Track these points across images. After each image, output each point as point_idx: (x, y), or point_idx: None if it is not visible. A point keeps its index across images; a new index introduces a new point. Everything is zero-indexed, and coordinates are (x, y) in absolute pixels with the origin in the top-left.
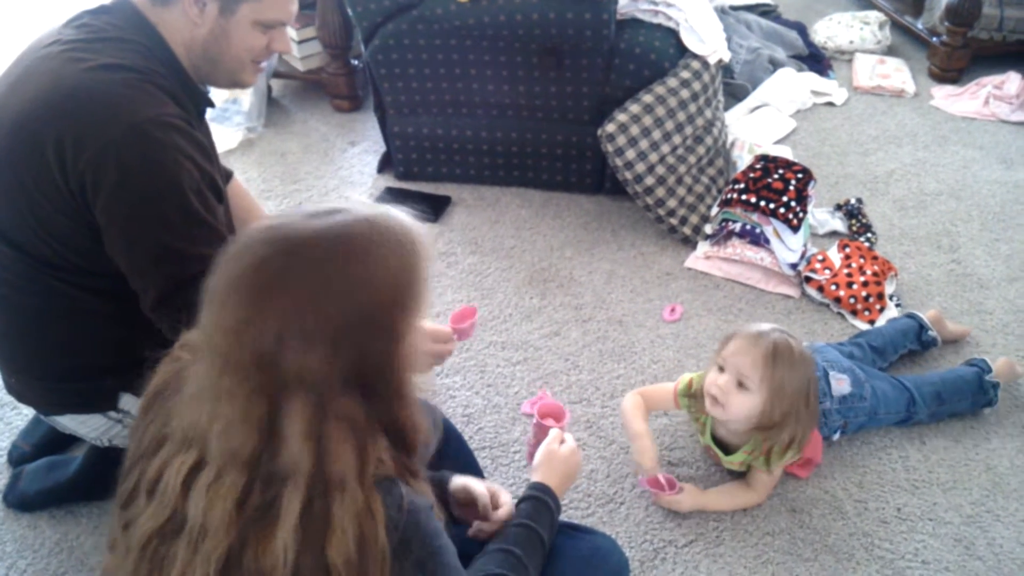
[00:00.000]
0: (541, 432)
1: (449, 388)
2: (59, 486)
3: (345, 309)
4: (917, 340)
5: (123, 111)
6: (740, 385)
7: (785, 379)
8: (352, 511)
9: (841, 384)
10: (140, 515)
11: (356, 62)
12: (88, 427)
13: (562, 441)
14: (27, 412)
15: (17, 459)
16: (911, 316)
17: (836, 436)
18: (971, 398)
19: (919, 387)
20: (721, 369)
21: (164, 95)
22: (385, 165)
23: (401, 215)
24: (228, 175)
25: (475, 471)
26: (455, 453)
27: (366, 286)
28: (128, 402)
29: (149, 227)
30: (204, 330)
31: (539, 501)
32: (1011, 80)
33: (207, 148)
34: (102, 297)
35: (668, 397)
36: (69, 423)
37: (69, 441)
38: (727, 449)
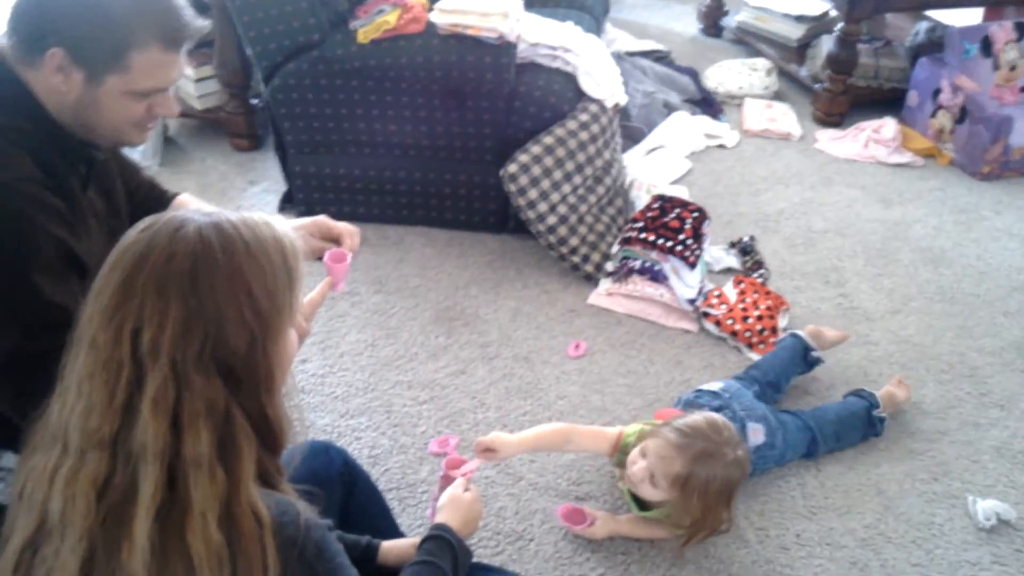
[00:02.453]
0: (447, 484)
1: (355, 429)
2: None
3: (210, 296)
4: (803, 362)
5: None
6: (652, 480)
7: (696, 495)
8: (213, 494)
9: (756, 435)
10: (14, 535)
11: (256, 101)
12: None
13: (466, 489)
14: None
15: None
16: (794, 336)
17: None
18: (862, 431)
19: (820, 427)
20: (644, 454)
21: (22, 155)
22: (286, 204)
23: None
24: (171, 196)
25: (384, 513)
26: (363, 495)
27: (237, 281)
28: (9, 460)
29: None
30: (80, 322)
31: (440, 539)
32: (887, 125)
33: (64, 214)
34: None
35: (602, 442)
36: None
37: None
38: (642, 505)
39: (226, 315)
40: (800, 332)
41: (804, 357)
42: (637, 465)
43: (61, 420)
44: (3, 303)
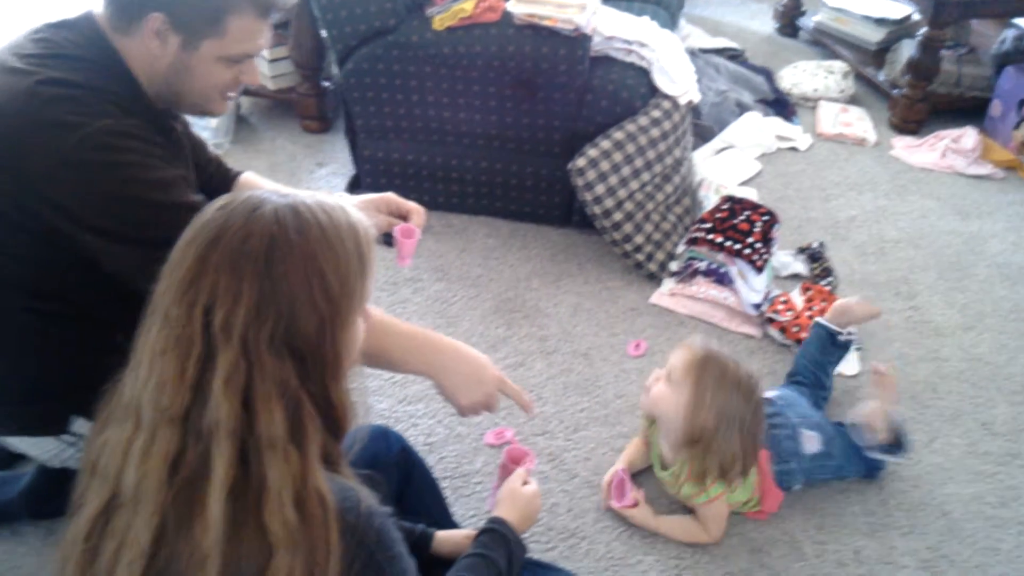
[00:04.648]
0: (507, 474)
1: (412, 416)
2: (5, 504)
3: (283, 278)
4: (834, 347)
5: (74, 123)
6: (669, 377)
7: (710, 390)
8: (288, 474)
9: (812, 443)
10: (87, 504)
11: (327, 83)
12: (40, 449)
13: (525, 483)
14: None
15: None
16: (816, 324)
17: (798, 487)
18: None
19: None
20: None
21: (117, 110)
22: (353, 188)
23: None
24: (235, 175)
25: (438, 501)
26: (419, 482)
27: (310, 264)
28: (81, 426)
29: (134, 231)
30: (154, 295)
31: (496, 533)
32: (968, 135)
33: (170, 154)
34: (54, 321)
35: (638, 443)
36: (20, 444)
37: (16, 457)
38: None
39: (298, 298)
40: (820, 319)
41: (833, 343)
42: (655, 374)
43: (134, 394)
44: (145, 225)
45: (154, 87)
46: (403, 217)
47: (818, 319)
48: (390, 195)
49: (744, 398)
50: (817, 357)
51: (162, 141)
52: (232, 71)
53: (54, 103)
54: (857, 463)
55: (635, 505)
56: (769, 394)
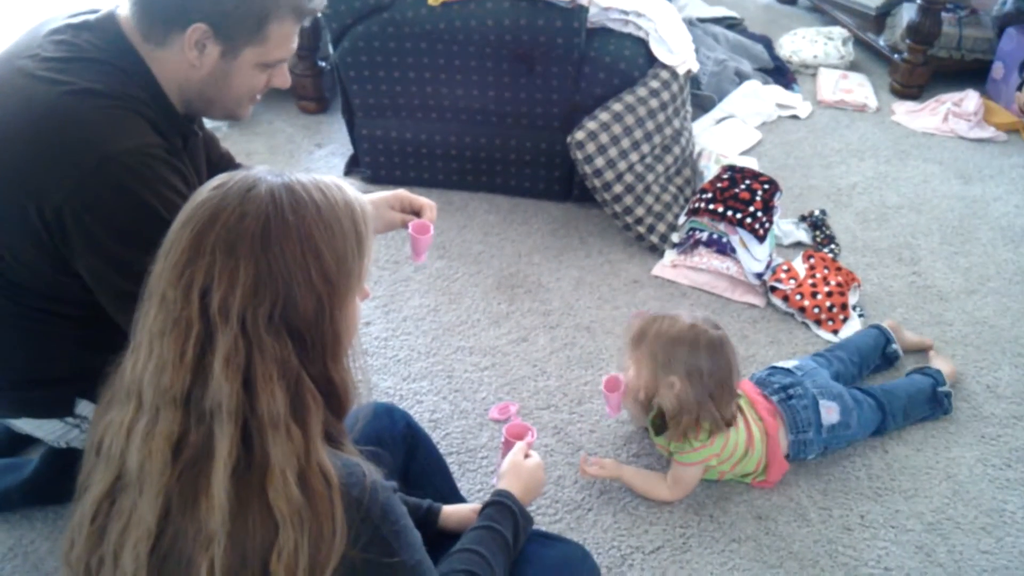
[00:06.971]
0: (509, 450)
1: (416, 393)
2: (13, 489)
3: (280, 258)
4: (882, 355)
5: (98, 142)
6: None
7: (648, 356)
8: (291, 452)
9: (831, 413)
10: (92, 486)
11: (323, 63)
12: (44, 430)
13: (527, 456)
14: None
15: None
16: (877, 328)
17: (813, 457)
18: (929, 409)
19: (891, 404)
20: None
21: (143, 122)
22: (352, 168)
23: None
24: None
25: (445, 476)
26: (425, 458)
27: (306, 243)
28: (85, 408)
29: (132, 262)
30: (150, 277)
31: (502, 505)
32: (969, 98)
33: (188, 177)
34: (60, 318)
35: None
36: (25, 426)
37: (24, 443)
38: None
39: (295, 278)
40: (883, 325)
41: (883, 350)
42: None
43: (135, 376)
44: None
45: (185, 96)
46: (416, 213)
47: (882, 326)
48: (402, 192)
49: (705, 351)
50: (872, 353)
51: (180, 151)
52: (266, 75)
53: (83, 114)
54: (867, 426)
55: (624, 391)
56: (788, 364)
